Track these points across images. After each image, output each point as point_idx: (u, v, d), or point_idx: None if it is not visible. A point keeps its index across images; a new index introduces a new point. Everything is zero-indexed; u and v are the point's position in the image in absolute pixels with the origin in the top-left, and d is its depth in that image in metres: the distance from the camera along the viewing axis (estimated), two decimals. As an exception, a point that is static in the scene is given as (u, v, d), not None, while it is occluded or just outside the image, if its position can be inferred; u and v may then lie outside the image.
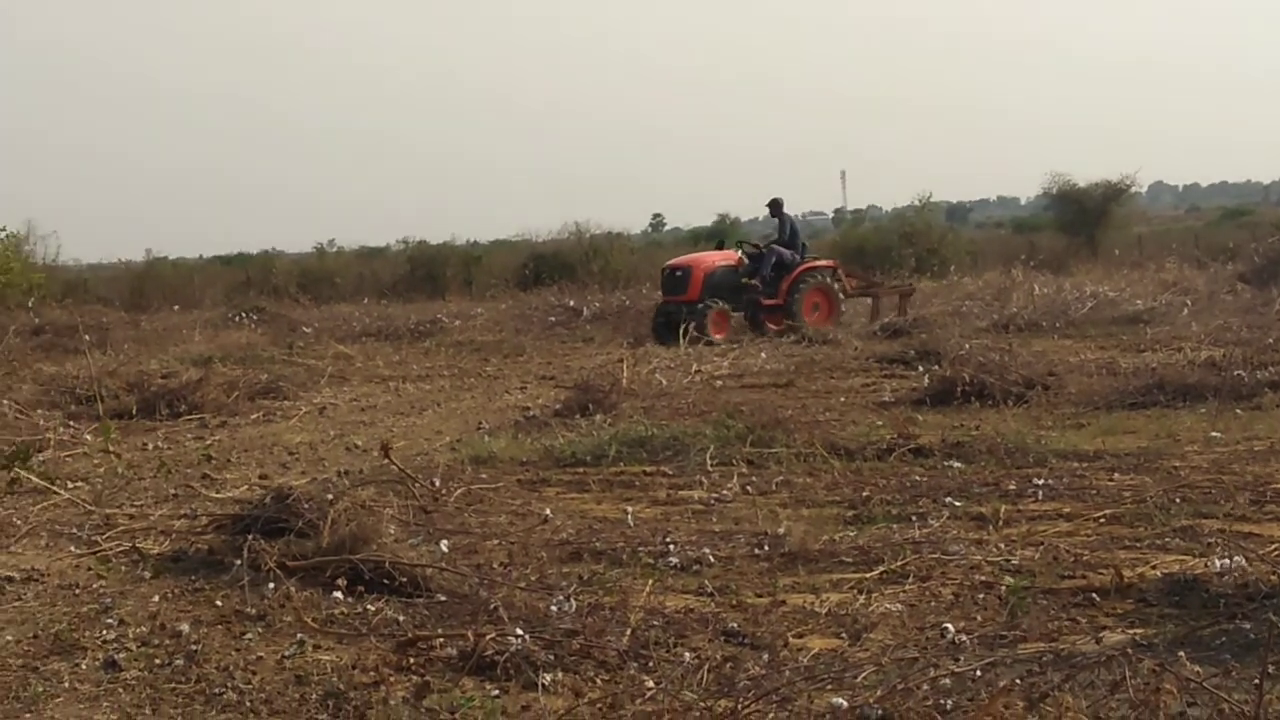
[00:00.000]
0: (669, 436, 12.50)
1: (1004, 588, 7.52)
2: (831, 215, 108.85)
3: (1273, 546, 7.92)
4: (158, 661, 6.82)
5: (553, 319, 29.83)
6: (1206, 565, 7.60)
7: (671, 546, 8.77)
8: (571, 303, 31.42)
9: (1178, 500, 9.44)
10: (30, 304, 31.69)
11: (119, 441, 14.26)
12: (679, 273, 25.85)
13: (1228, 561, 7.51)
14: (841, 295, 26.90)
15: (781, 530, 9.08)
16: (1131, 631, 6.69)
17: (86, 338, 21.14)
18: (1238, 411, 13.22)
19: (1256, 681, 4.76)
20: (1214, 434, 12.09)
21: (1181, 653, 5.72)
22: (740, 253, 26.79)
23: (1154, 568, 7.80)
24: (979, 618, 7.08)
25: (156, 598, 7.94)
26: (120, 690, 6.45)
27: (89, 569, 8.81)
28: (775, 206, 27.20)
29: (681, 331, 23.62)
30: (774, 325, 25.55)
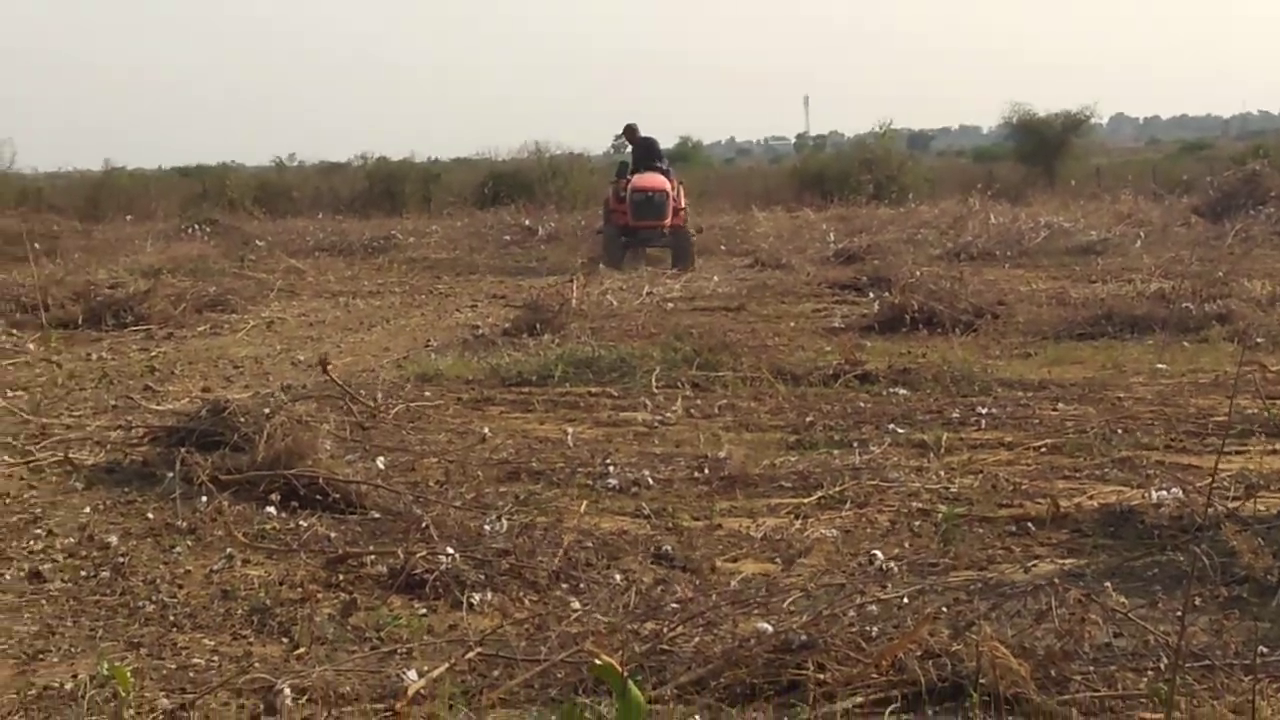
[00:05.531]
0: (616, 358, 12.43)
1: (939, 515, 7.51)
2: (794, 140, 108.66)
3: (1210, 479, 7.90)
4: (83, 573, 6.75)
5: (508, 238, 29.63)
6: (1144, 496, 7.59)
7: (611, 468, 8.70)
8: (527, 222, 31.20)
9: (1119, 431, 9.44)
10: (-21, 210, 31.34)
11: (61, 351, 14.16)
12: (657, 196, 23.98)
13: (1165, 493, 7.52)
14: None
15: (722, 454, 9.05)
16: (1062, 562, 6.69)
17: (36, 245, 20.79)
18: (1184, 344, 13.22)
19: (1180, 613, 4.74)
20: (1160, 366, 12.10)
21: (1109, 583, 5.72)
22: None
23: (1091, 498, 7.79)
24: (912, 545, 7.07)
25: (87, 509, 7.87)
26: (43, 601, 6.37)
27: (21, 479, 8.72)
28: (633, 132, 25.59)
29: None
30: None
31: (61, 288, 17.74)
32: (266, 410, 8.85)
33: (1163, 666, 4.99)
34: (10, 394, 11.69)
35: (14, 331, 15.34)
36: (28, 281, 18.13)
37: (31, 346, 14.44)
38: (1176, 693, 4.56)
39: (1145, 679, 4.97)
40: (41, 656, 5.72)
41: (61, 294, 17.31)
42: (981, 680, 4.69)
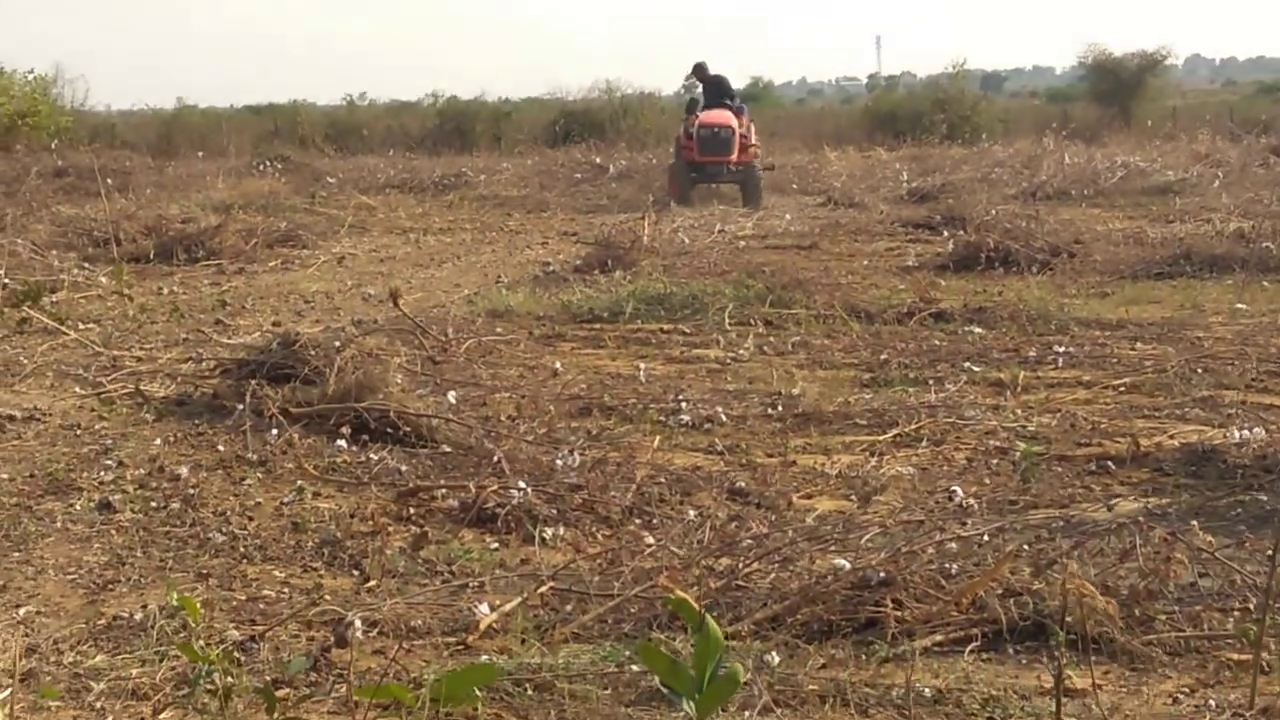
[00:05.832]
0: (688, 295, 12.34)
1: (1017, 453, 7.39)
2: (866, 81, 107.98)
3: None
4: (153, 504, 6.75)
5: (578, 176, 29.42)
6: (1225, 436, 7.47)
7: (683, 404, 8.64)
8: (598, 160, 31.02)
9: (1199, 371, 9.29)
10: (54, 145, 31.33)
11: (133, 285, 14.18)
12: (723, 132, 23.91)
13: (1247, 432, 7.37)
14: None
15: (796, 391, 8.98)
16: (1145, 500, 6.57)
17: (108, 180, 20.82)
18: (1264, 284, 13.04)
19: (1269, 553, 4.62)
20: (1239, 305, 11.92)
21: (1194, 523, 5.61)
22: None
23: (1172, 437, 7.66)
24: (990, 483, 6.97)
25: (158, 441, 7.89)
26: (113, 532, 6.38)
27: (92, 410, 8.75)
28: (703, 70, 25.63)
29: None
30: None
31: (133, 222, 17.79)
32: (337, 344, 8.84)
33: (1251, 607, 4.89)
34: (82, 327, 11.74)
35: (86, 265, 15.37)
36: (100, 216, 18.18)
37: (104, 280, 14.44)
38: (1265, 633, 4.47)
39: (1232, 619, 4.89)
40: (111, 586, 5.72)
41: (133, 229, 17.37)
42: (1066, 619, 4.59)
